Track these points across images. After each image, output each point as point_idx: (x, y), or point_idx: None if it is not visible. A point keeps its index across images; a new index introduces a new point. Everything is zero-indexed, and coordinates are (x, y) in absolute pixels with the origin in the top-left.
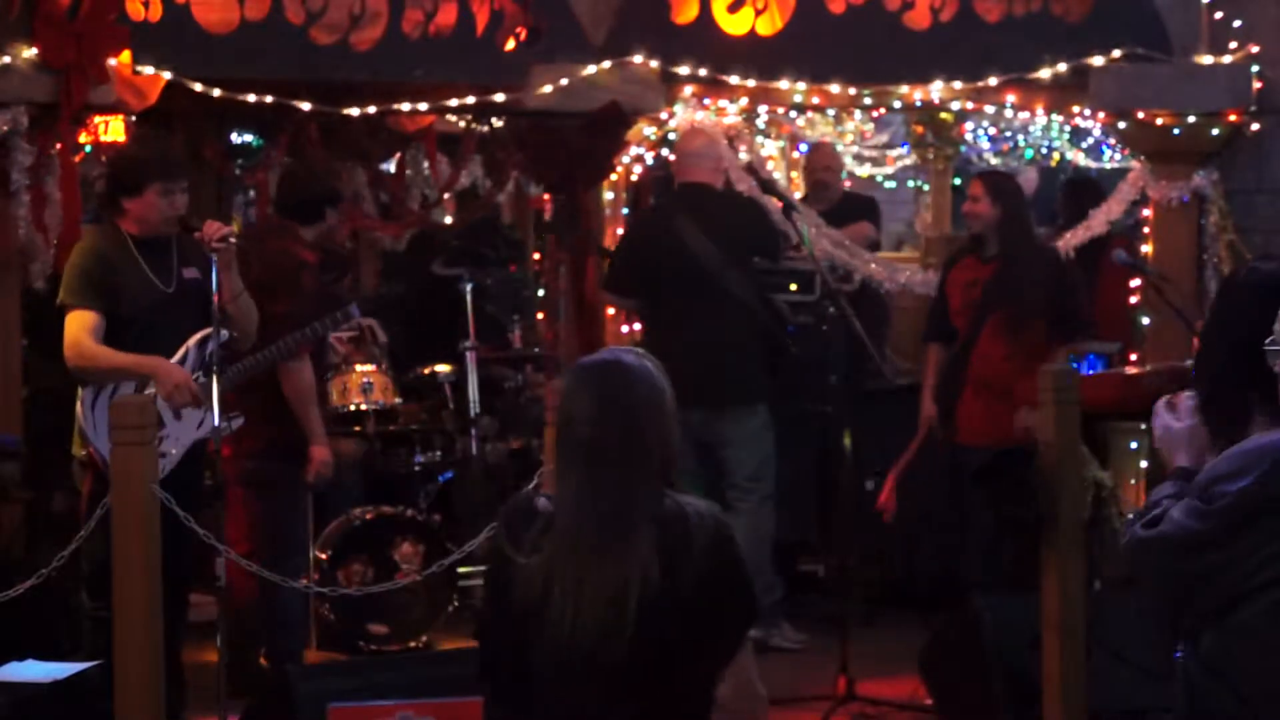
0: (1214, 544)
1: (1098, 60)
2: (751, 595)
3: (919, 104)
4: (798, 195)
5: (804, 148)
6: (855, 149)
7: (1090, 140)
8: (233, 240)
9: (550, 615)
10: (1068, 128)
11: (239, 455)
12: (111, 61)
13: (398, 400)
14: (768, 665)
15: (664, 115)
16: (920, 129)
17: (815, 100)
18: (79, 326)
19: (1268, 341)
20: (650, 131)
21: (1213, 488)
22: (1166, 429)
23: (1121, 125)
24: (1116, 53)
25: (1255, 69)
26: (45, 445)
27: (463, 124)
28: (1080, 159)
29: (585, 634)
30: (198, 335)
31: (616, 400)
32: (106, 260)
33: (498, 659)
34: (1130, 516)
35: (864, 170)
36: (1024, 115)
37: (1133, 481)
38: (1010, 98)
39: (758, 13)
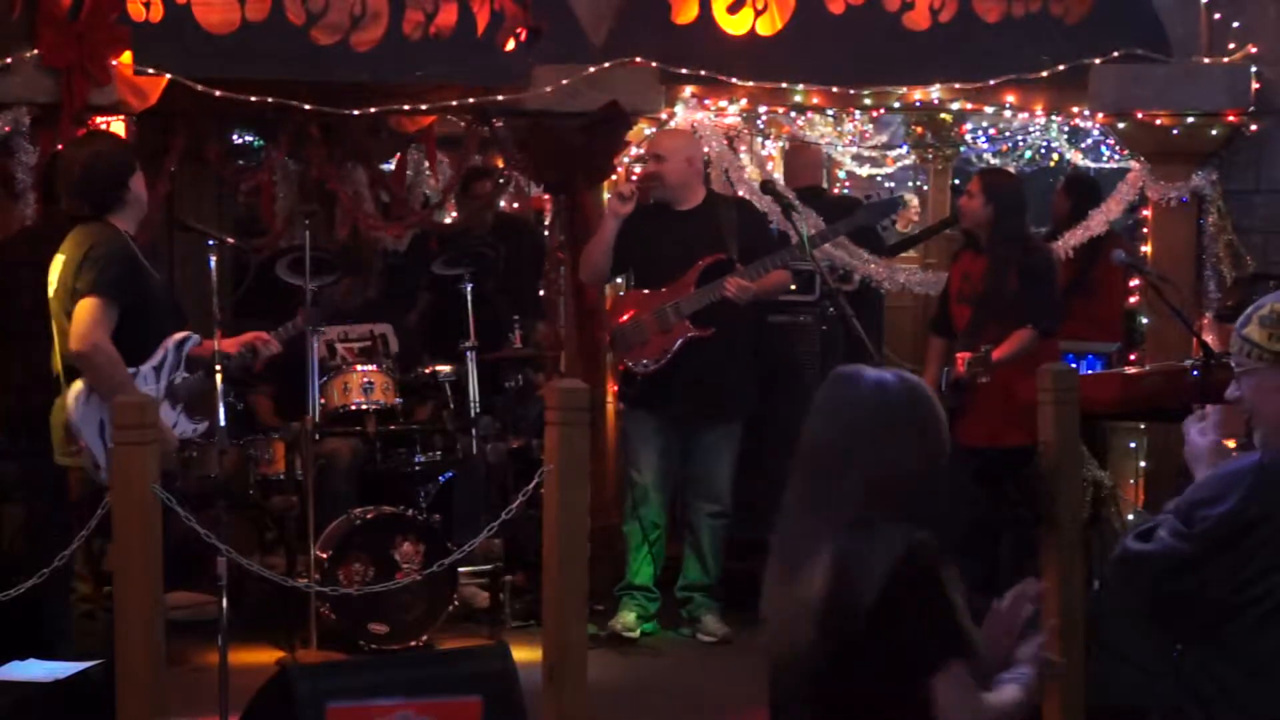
0: (1195, 566)
1: (1097, 60)
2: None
3: (919, 104)
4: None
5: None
6: (855, 149)
7: (1089, 140)
8: (229, 240)
9: None
10: (1067, 128)
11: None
12: (113, 62)
13: (398, 400)
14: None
15: (664, 115)
16: (920, 129)
17: (815, 100)
18: (101, 319)
19: (1233, 360)
20: (650, 131)
21: (1194, 512)
22: (1193, 444)
23: (1121, 125)
24: (1116, 53)
25: (1254, 69)
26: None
27: (463, 124)
28: (1079, 159)
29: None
30: (175, 336)
31: (825, 408)
32: (133, 255)
33: None
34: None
35: (864, 170)
36: (1024, 115)
37: (1133, 481)
38: (1010, 98)
39: (758, 13)
